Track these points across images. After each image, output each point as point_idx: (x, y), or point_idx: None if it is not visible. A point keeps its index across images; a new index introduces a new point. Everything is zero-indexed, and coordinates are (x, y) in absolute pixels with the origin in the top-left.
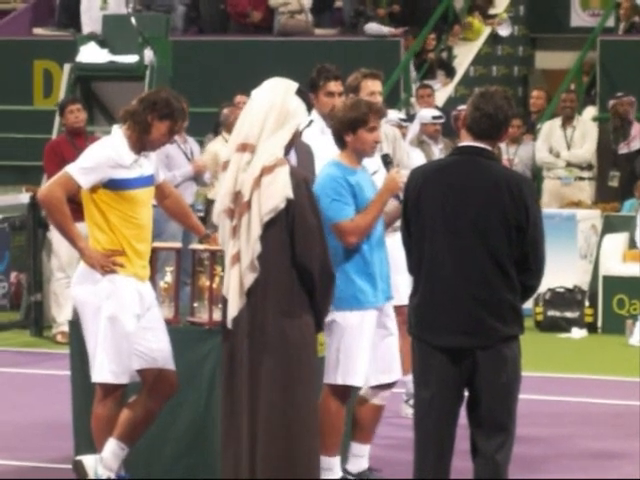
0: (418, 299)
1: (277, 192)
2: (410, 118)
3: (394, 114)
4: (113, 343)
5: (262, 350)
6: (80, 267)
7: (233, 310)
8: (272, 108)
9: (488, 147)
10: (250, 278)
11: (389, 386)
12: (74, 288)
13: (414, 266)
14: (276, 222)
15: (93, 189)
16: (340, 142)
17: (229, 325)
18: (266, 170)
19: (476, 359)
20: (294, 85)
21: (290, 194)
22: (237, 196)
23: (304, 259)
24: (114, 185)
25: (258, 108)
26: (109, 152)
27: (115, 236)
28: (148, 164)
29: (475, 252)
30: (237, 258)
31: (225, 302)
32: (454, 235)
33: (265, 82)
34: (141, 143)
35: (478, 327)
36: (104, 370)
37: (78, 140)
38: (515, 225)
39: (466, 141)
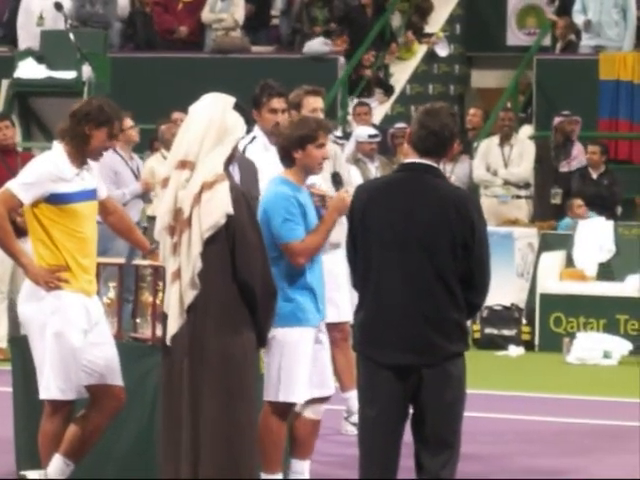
0: (364, 316)
1: (217, 208)
2: (346, 136)
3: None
4: (60, 359)
5: (202, 367)
6: (25, 284)
7: (173, 327)
8: (211, 124)
9: (434, 164)
10: (190, 295)
11: (323, 400)
12: (20, 305)
13: (360, 282)
14: (216, 238)
15: (35, 204)
16: (288, 160)
17: (168, 342)
18: (206, 186)
19: (422, 376)
20: (231, 100)
21: (230, 210)
22: (177, 213)
23: (245, 275)
24: (56, 199)
25: (197, 124)
26: (49, 166)
27: (59, 251)
28: (91, 178)
29: (422, 270)
30: (177, 275)
31: (165, 319)
32: (401, 252)
33: (202, 97)
34: (82, 155)
35: (424, 345)
36: (52, 387)
37: (9, 157)
38: (461, 243)
39: (411, 158)
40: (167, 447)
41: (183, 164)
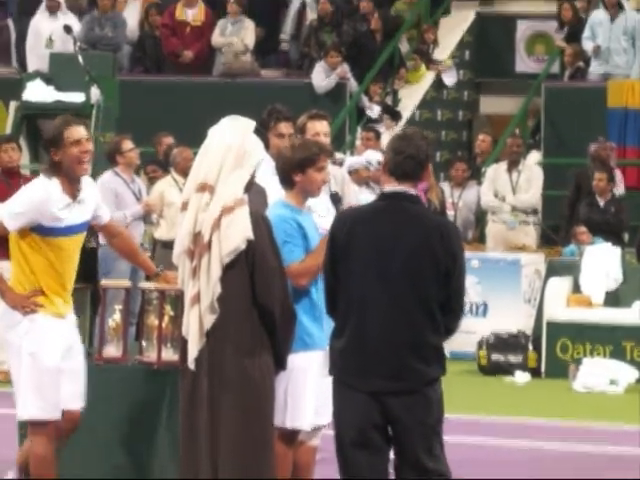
0: (345, 342)
1: (237, 233)
2: None
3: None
4: (34, 378)
5: (222, 390)
6: (1, 308)
7: (193, 351)
8: (230, 148)
9: (413, 191)
10: (210, 319)
11: (322, 427)
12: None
13: (341, 308)
14: (236, 263)
15: (21, 232)
16: (288, 182)
17: (190, 366)
18: (226, 211)
19: (401, 402)
20: (252, 123)
21: (250, 235)
22: (197, 237)
23: (265, 299)
24: (42, 230)
25: (215, 148)
26: (40, 196)
27: (35, 278)
28: (82, 211)
29: (405, 297)
30: (197, 299)
31: (185, 342)
32: (385, 280)
33: (222, 120)
34: (70, 179)
35: (404, 372)
36: (28, 406)
37: (12, 179)
38: (444, 271)
39: (389, 185)
40: (187, 468)
41: (203, 187)
